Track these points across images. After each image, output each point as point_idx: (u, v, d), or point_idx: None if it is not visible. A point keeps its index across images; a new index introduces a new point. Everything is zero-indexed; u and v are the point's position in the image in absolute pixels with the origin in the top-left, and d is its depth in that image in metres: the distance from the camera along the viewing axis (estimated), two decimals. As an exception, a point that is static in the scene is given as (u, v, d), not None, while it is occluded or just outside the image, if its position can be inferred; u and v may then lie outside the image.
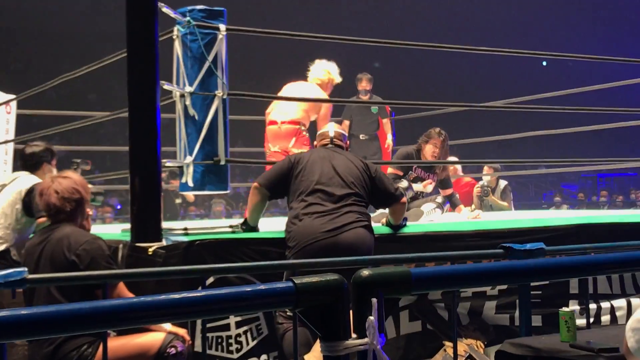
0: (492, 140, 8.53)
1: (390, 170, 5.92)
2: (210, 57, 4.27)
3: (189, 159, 4.32)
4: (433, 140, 5.95)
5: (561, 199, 19.42)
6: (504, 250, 3.54)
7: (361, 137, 7.90)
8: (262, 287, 1.44)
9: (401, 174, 5.89)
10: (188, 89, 4.29)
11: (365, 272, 1.50)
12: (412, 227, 4.54)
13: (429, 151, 5.93)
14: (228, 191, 4.57)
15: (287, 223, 4.00)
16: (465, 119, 17.66)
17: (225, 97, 4.34)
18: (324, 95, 5.84)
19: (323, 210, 3.89)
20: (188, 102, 4.29)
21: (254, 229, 4.27)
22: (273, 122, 5.65)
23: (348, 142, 4.65)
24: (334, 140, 4.36)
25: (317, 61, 6.12)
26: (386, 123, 8.25)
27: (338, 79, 6.00)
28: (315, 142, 4.56)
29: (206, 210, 16.23)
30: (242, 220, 4.34)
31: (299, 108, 5.60)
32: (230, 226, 4.24)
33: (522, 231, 4.54)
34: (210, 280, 3.77)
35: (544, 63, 26.27)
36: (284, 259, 3.87)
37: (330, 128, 4.48)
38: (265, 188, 4.17)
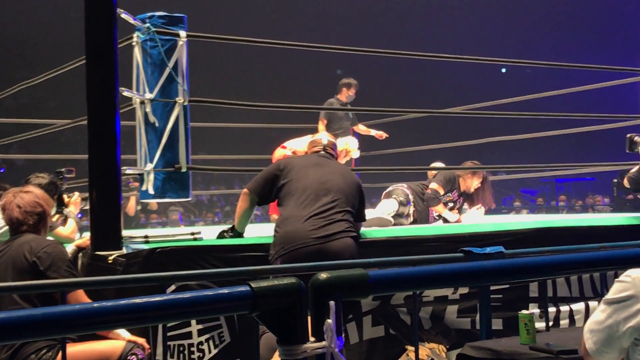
0: (452, 146, 8.60)
1: (434, 186, 6.07)
2: (171, 64, 4.23)
3: (150, 166, 4.28)
4: (478, 174, 6.33)
5: (521, 204, 19.61)
6: (464, 254, 3.56)
7: None
8: (219, 291, 1.42)
9: (443, 192, 6.11)
10: (148, 95, 4.26)
11: (323, 275, 1.48)
12: (375, 232, 4.56)
13: (474, 183, 6.26)
14: (189, 198, 4.53)
15: (276, 224, 3.98)
16: (425, 125, 17.76)
17: (186, 103, 4.31)
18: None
19: (315, 214, 3.88)
20: (148, 109, 4.26)
21: (241, 235, 4.27)
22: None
23: (340, 152, 4.72)
24: (327, 148, 4.39)
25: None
26: (357, 128, 8.34)
27: (355, 155, 6.16)
28: (306, 149, 4.58)
29: (168, 217, 16.16)
30: (229, 226, 4.34)
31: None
32: (192, 233, 4.21)
33: (482, 235, 4.56)
34: (172, 288, 3.72)
35: (503, 70, 26.58)
36: (264, 263, 3.83)
37: (324, 136, 4.51)
38: (255, 194, 4.16)
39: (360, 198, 4.16)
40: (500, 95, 8.47)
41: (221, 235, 4.35)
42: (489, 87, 21.95)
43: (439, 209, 6.06)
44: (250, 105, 4.76)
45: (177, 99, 4.28)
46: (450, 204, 6.21)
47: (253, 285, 1.43)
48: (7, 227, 3.81)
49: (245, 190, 4.18)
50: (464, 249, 3.58)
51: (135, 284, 3.22)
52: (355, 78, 8.11)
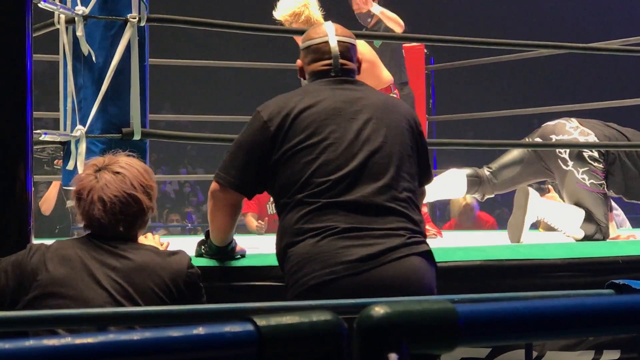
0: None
1: None
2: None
3: (80, 129, 3.11)
4: None
5: None
6: (615, 290, 2.65)
7: None
8: (199, 330, 1.01)
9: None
10: (80, 9, 3.07)
11: (380, 310, 1.04)
12: (458, 252, 3.11)
13: None
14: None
15: (281, 240, 2.43)
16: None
17: (143, 24, 3.10)
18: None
19: (353, 223, 2.30)
20: (80, 33, 3.08)
21: (225, 251, 2.73)
22: None
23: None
24: (342, 62, 2.50)
25: None
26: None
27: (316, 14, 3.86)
28: (300, 68, 2.62)
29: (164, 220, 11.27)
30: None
31: None
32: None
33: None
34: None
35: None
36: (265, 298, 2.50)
37: (330, 30, 2.56)
38: (236, 188, 2.50)
39: (421, 149, 2.51)
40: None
41: (198, 251, 2.85)
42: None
43: None
44: (254, 28, 3.13)
45: (128, 15, 3.06)
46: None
47: (259, 322, 1.02)
48: None
49: (215, 185, 2.55)
50: (615, 281, 2.62)
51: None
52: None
